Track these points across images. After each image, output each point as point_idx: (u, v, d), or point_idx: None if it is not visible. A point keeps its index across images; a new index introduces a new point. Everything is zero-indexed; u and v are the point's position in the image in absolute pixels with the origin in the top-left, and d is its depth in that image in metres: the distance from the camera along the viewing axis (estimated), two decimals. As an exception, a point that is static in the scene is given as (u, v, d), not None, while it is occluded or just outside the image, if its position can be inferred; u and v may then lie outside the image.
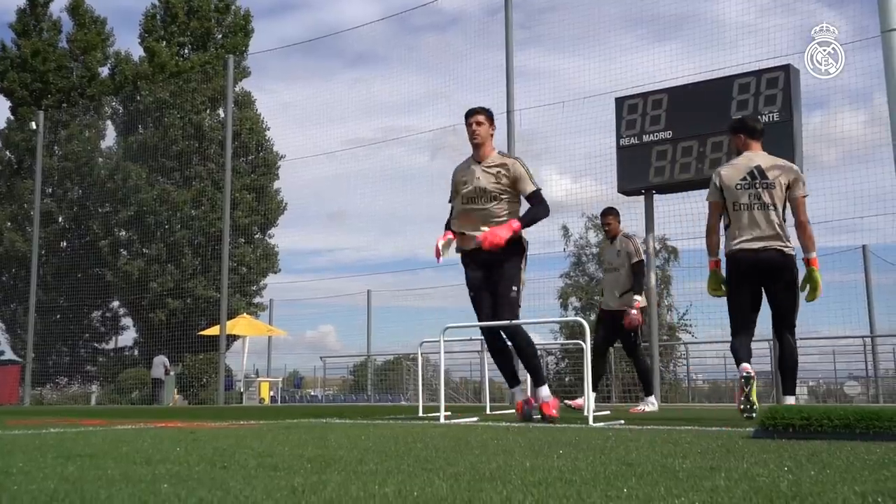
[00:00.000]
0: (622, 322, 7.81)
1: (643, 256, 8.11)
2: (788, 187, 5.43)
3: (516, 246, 5.61)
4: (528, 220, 5.63)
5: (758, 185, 5.41)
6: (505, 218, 5.59)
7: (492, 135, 5.81)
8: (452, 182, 5.88)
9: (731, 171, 5.54)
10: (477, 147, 5.76)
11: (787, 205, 5.46)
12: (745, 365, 5.33)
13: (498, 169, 5.63)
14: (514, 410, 8.04)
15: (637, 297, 7.87)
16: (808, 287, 5.50)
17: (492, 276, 5.64)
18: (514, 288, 5.59)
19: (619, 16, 13.53)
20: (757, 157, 5.59)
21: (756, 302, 5.53)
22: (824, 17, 12.52)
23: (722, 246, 5.64)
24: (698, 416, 6.86)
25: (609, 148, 11.17)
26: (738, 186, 5.45)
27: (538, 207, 5.64)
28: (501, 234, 5.40)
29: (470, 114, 5.81)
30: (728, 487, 1.84)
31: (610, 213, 8.14)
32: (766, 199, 5.38)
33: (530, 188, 5.61)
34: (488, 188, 5.61)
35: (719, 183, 5.54)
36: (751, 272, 5.43)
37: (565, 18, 13.69)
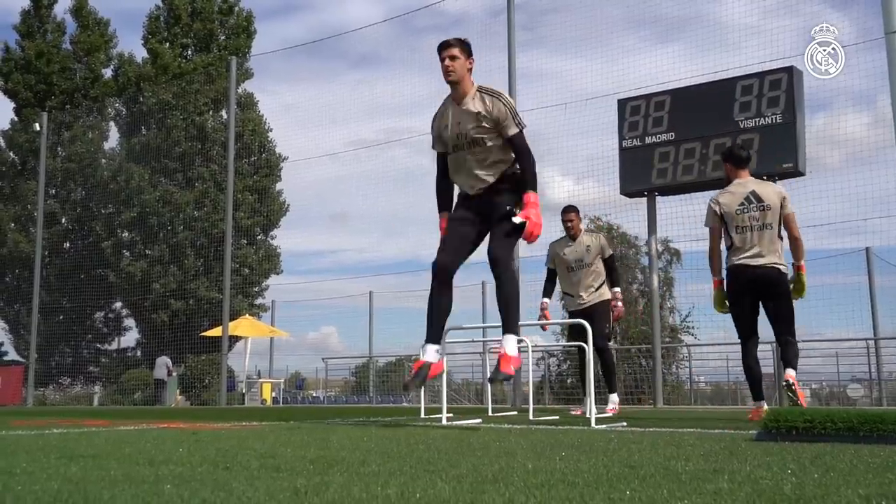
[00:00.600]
0: (594, 316, 7.40)
1: (613, 250, 8.05)
2: (780, 206, 6.04)
3: (510, 183, 5.01)
4: (532, 181, 4.93)
5: (755, 209, 6.05)
6: (494, 161, 4.98)
7: (470, 69, 5.04)
8: (432, 128, 5.25)
9: (730, 198, 6.17)
10: (454, 85, 5.01)
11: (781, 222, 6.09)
12: (765, 406, 5.94)
13: (478, 111, 4.94)
14: (515, 413, 8.01)
15: (618, 289, 7.80)
16: (793, 287, 6.14)
17: (484, 216, 5.03)
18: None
19: (622, 17, 13.51)
20: (749, 183, 6.23)
21: (755, 310, 6.15)
22: (828, 18, 12.54)
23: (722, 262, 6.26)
24: (701, 418, 6.85)
25: (612, 150, 11.18)
26: (738, 211, 6.09)
27: (527, 159, 4.95)
28: (534, 218, 4.80)
29: (442, 47, 5.01)
30: (731, 490, 1.84)
31: (571, 210, 7.86)
32: (764, 220, 6.02)
33: (512, 130, 4.92)
34: (469, 133, 4.96)
35: (719, 210, 6.18)
36: (750, 285, 6.05)
37: (568, 20, 13.69)
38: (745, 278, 6.02)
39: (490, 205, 5.00)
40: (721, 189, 6.41)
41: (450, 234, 5.09)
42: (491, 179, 5.00)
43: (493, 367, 4.98)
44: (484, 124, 4.91)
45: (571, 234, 7.82)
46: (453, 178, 5.19)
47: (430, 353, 4.92)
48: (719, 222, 6.15)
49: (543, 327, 8.12)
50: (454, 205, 5.24)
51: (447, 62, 4.96)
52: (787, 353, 5.98)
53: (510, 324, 4.87)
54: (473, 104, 4.96)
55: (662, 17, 12.83)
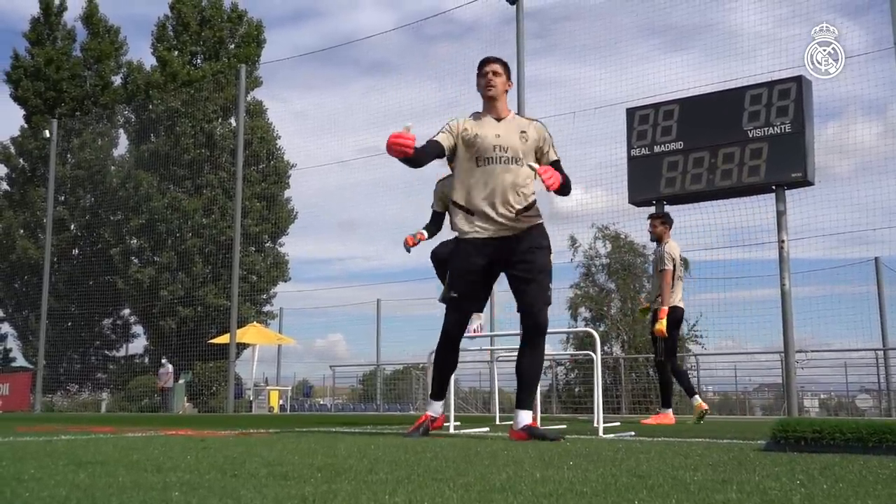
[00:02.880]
0: None
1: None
2: None
3: (544, 231, 4.79)
4: (565, 185, 4.67)
5: (681, 263, 8.34)
6: (525, 185, 4.68)
7: (506, 91, 4.88)
8: (453, 133, 4.79)
9: (675, 251, 8.19)
10: (491, 100, 4.80)
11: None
12: (700, 401, 8.32)
13: (522, 130, 4.74)
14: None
15: None
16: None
17: (505, 260, 4.67)
18: (550, 285, 4.73)
19: (634, 25, 13.45)
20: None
21: None
22: (842, 27, 12.49)
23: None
24: (709, 428, 6.83)
25: (620, 158, 11.16)
26: (678, 263, 8.18)
27: (565, 179, 4.71)
28: (557, 176, 4.54)
29: (485, 62, 4.83)
30: (740, 500, 1.83)
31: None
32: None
33: (552, 156, 4.81)
34: (515, 146, 4.68)
35: (676, 257, 8.12)
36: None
37: (580, 28, 13.68)
38: (680, 316, 8.26)
39: (518, 248, 4.63)
40: (657, 243, 8.35)
41: (462, 300, 4.78)
42: (518, 206, 4.65)
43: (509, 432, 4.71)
44: (527, 142, 4.70)
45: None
46: (470, 198, 4.72)
47: (435, 408, 5.02)
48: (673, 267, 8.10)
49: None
50: (466, 252, 4.74)
51: (490, 76, 4.78)
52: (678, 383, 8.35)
53: (528, 400, 4.63)
54: (516, 122, 4.82)
55: (675, 26, 12.81)
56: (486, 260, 4.68)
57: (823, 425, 3.44)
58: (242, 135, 17.38)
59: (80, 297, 25.46)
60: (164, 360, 21.31)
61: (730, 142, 10.06)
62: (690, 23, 12.65)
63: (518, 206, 4.65)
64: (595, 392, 5.71)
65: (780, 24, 11.38)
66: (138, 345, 27.87)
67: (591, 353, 6.64)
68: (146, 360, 26.51)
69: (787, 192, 9.97)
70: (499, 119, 4.78)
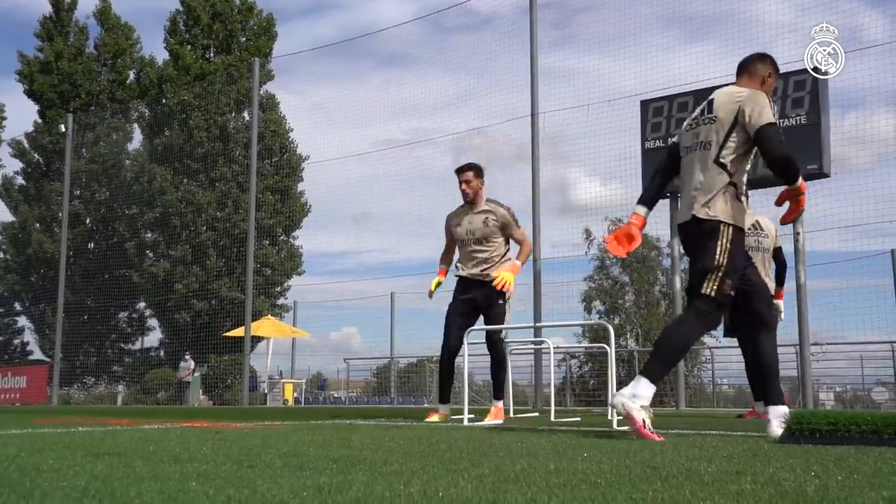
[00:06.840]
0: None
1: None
2: None
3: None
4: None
5: None
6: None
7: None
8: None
9: None
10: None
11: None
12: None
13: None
14: (536, 414, 8.02)
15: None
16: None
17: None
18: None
19: (654, 15, 13.28)
20: None
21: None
22: (865, 16, 12.35)
23: None
24: (723, 420, 6.81)
25: (635, 151, 11.11)
26: None
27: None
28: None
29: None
30: (754, 491, 1.83)
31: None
32: None
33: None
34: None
35: None
36: None
37: (599, 19, 13.57)
38: None
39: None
40: None
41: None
42: (489, 272, 6.23)
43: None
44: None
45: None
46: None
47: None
48: None
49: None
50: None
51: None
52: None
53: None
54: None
55: (695, 16, 12.65)
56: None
57: (839, 417, 3.43)
58: (256, 128, 17.42)
59: (96, 290, 25.63)
60: (186, 356, 21.42)
61: (744, 134, 10.00)
62: (710, 12, 12.52)
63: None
64: (609, 385, 5.71)
65: (802, 13, 11.24)
66: (153, 338, 28.08)
67: (605, 345, 6.63)
68: (161, 353, 26.67)
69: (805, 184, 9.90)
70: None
